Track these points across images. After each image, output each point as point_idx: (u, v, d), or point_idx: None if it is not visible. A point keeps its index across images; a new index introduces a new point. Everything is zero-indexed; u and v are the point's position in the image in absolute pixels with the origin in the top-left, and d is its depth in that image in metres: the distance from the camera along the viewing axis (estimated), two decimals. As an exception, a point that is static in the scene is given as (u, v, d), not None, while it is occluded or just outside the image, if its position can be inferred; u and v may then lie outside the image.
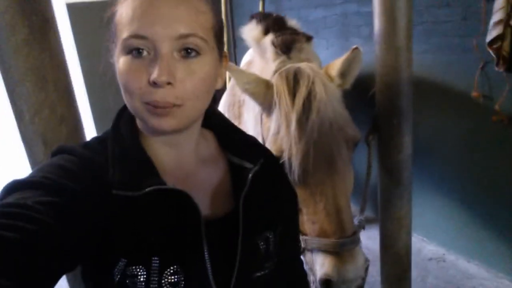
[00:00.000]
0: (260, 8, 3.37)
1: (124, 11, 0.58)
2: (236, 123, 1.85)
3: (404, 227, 1.66)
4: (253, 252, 0.70)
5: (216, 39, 0.63)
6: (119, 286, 0.60)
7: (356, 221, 1.45)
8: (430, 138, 2.47)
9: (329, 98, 1.18)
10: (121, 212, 0.60)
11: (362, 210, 1.61)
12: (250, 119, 1.58)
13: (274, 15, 1.72)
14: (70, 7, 3.22)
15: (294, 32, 1.57)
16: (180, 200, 0.62)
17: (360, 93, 2.99)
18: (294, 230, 0.89)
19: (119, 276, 0.59)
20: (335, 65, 1.26)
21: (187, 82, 0.58)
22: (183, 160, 0.70)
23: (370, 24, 1.53)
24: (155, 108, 0.57)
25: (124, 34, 0.57)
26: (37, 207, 0.49)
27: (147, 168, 0.63)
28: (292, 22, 1.72)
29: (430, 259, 2.51)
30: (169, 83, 0.56)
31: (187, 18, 0.57)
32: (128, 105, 0.62)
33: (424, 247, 2.63)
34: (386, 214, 1.67)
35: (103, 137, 0.69)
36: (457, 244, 2.50)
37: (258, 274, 0.70)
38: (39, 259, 0.47)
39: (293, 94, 1.19)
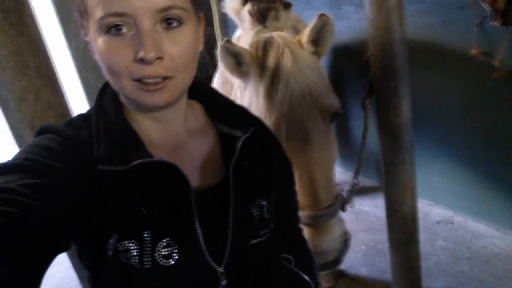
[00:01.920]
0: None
1: None
2: None
3: (409, 190, 1.64)
4: (247, 219, 0.69)
5: (193, 4, 0.62)
6: (113, 262, 0.59)
7: (347, 187, 1.44)
8: (431, 100, 2.43)
9: (300, 67, 1.13)
10: (109, 187, 0.59)
11: (356, 174, 1.58)
12: (235, 94, 1.56)
13: None
14: (56, -1, 3.17)
15: (272, 0, 1.52)
16: (169, 173, 0.61)
17: (356, 60, 2.95)
18: (291, 199, 0.88)
19: (112, 252, 0.59)
20: (304, 33, 1.20)
21: (174, 53, 0.57)
22: (171, 133, 0.69)
23: (363, -10, 1.49)
24: (147, 85, 0.56)
25: (99, 12, 0.54)
26: (22, 190, 0.49)
27: (133, 142, 0.63)
28: None
29: (438, 222, 2.51)
30: (158, 58, 0.54)
31: None
32: (114, 85, 0.61)
33: (431, 211, 2.62)
34: (389, 178, 1.66)
35: (87, 114, 0.68)
36: (464, 205, 2.49)
37: (254, 241, 0.70)
38: (29, 243, 0.47)
39: (262, 65, 1.16)
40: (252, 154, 0.72)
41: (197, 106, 0.76)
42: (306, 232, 1.12)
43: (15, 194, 0.48)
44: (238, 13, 1.57)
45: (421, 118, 2.44)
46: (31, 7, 0.86)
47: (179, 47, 0.57)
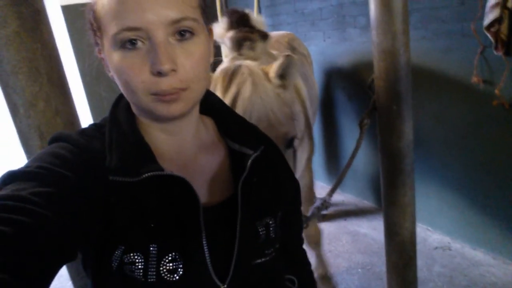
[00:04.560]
0: (255, 2, 3.35)
1: (105, 2, 0.56)
2: None
3: (408, 214, 1.64)
4: (253, 238, 0.69)
5: (203, 16, 0.63)
6: (118, 274, 0.59)
7: (318, 203, 1.51)
8: (432, 125, 2.45)
9: (260, 96, 1.19)
10: (119, 198, 0.59)
11: (331, 191, 1.64)
12: None
13: (241, 12, 1.74)
14: (65, 9, 3.21)
15: (250, 30, 1.60)
16: (178, 187, 0.61)
17: (358, 82, 2.99)
18: (297, 219, 0.88)
19: (117, 264, 0.58)
20: (272, 68, 1.29)
21: (187, 64, 0.57)
22: (182, 146, 0.69)
23: (367, 14, 1.53)
24: (164, 96, 0.57)
25: (113, 28, 0.55)
26: (32, 199, 0.49)
27: (144, 154, 0.62)
28: (258, 19, 1.75)
29: (436, 248, 2.49)
30: (173, 70, 0.55)
31: (175, 1, 0.56)
32: (130, 99, 0.61)
33: (429, 236, 2.61)
34: (389, 201, 1.66)
35: (100, 123, 0.68)
36: (462, 232, 2.48)
37: (259, 261, 0.69)
38: (37, 252, 0.47)
39: (225, 92, 1.24)
40: (260, 173, 0.72)
41: (209, 122, 0.76)
42: None
43: (25, 202, 0.48)
44: (222, 38, 1.66)
45: (421, 142, 2.46)
46: (47, 15, 0.88)
47: (192, 58, 0.58)
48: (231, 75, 1.25)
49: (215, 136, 0.76)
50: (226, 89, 1.23)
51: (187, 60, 0.57)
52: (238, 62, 1.32)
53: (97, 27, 0.59)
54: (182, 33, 0.57)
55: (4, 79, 0.84)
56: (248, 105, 1.17)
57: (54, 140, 0.62)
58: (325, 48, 3.13)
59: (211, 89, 1.27)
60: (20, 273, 0.44)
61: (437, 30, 2.28)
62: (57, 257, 0.50)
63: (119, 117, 0.66)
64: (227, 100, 1.19)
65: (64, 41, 3.32)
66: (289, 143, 1.25)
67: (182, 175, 0.61)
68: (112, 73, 0.61)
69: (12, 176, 0.52)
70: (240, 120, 0.78)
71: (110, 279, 0.60)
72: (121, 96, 0.69)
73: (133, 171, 0.60)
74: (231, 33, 1.59)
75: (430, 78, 2.37)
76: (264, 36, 1.60)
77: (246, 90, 1.18)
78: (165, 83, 0.56)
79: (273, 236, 0.72)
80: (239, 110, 1.16)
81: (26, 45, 0.83)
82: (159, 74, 0.55)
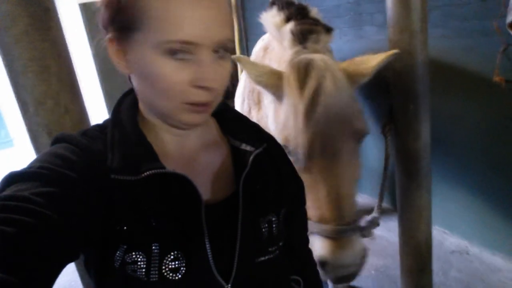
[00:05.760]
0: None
1: (160, 7, 0.54)
2: (256, 109, 1.86)
3: (424, 217, 1.60)
4: (255, 234, 0.68)
5: None
6: (120, 273, 0.58)
7: (369, 218, 1.48)
8: (450, 125, 2.39)
9: (338, 92, 1.20)
10: (121, 197, 0.59)
11: (378, 207, 1.60)
12: (269, 105, 1.58)
13: (297, 3, 1.70)
14: (83, 7, 3.25)
15: (314, 22, 1.55)
16: (180, 185, 0.61)
17: (374, 81, 2.93)
18: (301, 218, 0.87)
19: (119, 263, 0.58)
20: (362, 64, 1.30)
21: (220, 80, 0.60)
22: (185, 146, 0.69)
23: (384, 11, 1.48)
24: (196, 106, 0.59)
25: (161, 35, 0.54)
26: (35, 199, 0.49)
27: (146, 153, 0.62)
28: (314, 12, 1.69)
29: (453, 251, 2.43)
30: None
31: (224, 20, 0.58)
32: (157, 104, 0.61)
33: (446, 239, 2.55)
34: (404, 204, 1.62)
35: (103, 124, 0.68)
36: (480, 236, 2.41)
37: (262, 258, 0.69)
38: (39, 251, 0.47)
39: (302, 85, 1.22)
40: (262, 170, 0.72)
41: (211, 120, 0.77)
42: (326, 244, 1.16)
43: (28, 202, 0.48)
44: (279, 29, 1.59)
45: (439, 143, 2.39)
46: (57, 13, 0.88)
47: (224, 75, 0.60)
48: (305, 68, 1.24)
49: (217, 134, 0.76)
50: (302, 82, 1.22)
51: (221, 76, 0.60)
52: (307, 56, 1.30)
53: (132, 21, 0.56)
54: (222, 51, 0.59)
55: (14, 78, 0.85)
56: (329, 99, 1.17)
57: (56, 141, 0.62)
58: (341, 46, 3.07)
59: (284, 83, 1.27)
60: (22, 273, 0.44)
61: (458, 28, 2.21)
62: (59, 257, 0.50)
63: (122, 117, 0.66)
64: (306, 94, 1.19)
65: (82, 39, 3.36)
66: (361, 138, 1.27)
67: (184, 173, 0.61)
68: (136, 72, 0.60)
69: (14, 177, 0.53)
70: (242, 119, 0.78)
71: (113, 278, 0.60)
72: (123, 97, 0.70)
73: (134, 169, 0.60)
74: (292, 25, 1.52)
75: (450, 78, 2.31)
76: (328, 29, 1.55)
77: (329, 85, 1.19)
78: (203, 96, 0.58)
79: (276, 233, 0.72)
80: (321, 104, 1.16)
81: (35, 44, 0.83)
82: (202, 88, 0.57)
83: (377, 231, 2.74)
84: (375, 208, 1.59)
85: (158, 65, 0.56)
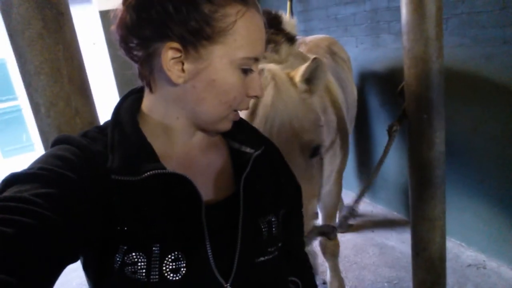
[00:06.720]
0: (288, 8, 3.33)
1: (243, 26, 0.60)
2: None
3: (438, 228, 1.56)
4: (255, 234, 0.69)
5: None
6: (119, 274, 0.58)
7: (344, 211, 1.45)
8: (467, 135, 2.33)
9: (284, 102, 1.13)
10: (121, 198, 0.60)
11: (359, 197, 1.55)
12: None
13: (273, 13, 1.66)
14: (103, 14, 3.33)
15: (275, 32, 1.53)
16: (180, 185, 0.62)
17: (390, 89, 2.89)
18: (298, 220, 0.88)
19: (118, 265, 0.58)
20: (298, 71, 1.22)
21: None
22: (186, 147, 0.70)
23: (401, 19, 1.47)
24: (236, 113, 0.68)
25: (243, 52, 0.61)
26: (35, 200, 0.49)
27: (146, 153, 0.63)
28: (291, 22, 1.66)
29: (469, 265, 2.36)
30: None
31: None
32: (211, 111, 0.64)
33: (462, 252, 2.47)
34: (417, 215, 1.58)
35: (103, 126, 0.69)
36: (499, 250, 2.33)
37: (262, 258, 0.70)
38: (39, 252, 0.47)
39: None
40: (262, 171, 0.74)
41: None
42: None
43: (28, 204, 0.48)
44: None
45: (456, 153, 2.34)
46: (71, 17, 0.90)
47: None
48: None
49: (216, 136, 0.77)
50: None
51: None
52: (260, 66, 1.27)
53: (211, 33, 0.58)
54: None
55: (27, 79, 0.87)
56: (270, 111, 1.12)
57: (57, 142, 0.63)
58: (357, 54, 3.06)
59: None
60: (22, 274, 0.44)
61: (476, 36, 2.17)
62: (59, 258, 0.51)
63: (122, 118, 0.67)
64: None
65: (102, 46, 3.44)
66: (314, 151, 1.20)
67: (185, 174, 0.62)
68: (201, 80, 0.61)
69: (15, 178, 0.53)
70: (241, 121, 0.79)
71: (112, 281, 0.60)
72: (123, 98, 0.71)
73: (135, 170, 0.60)
74: None
75: (469, 87, 2.26)
76: (291, 38, 1.53)
77: (268, 95, 1.14)
78: (248, 104, 0.68)
79: (276, 234, 0.73)
80: (260, 115, 1.12)
81: (48, 46, 0.84)
82: (253, 96, 0.66)
83: (390, 242, 2.70)
84: (354, 199, 1.54)
85: (231, 76, 0.62)
